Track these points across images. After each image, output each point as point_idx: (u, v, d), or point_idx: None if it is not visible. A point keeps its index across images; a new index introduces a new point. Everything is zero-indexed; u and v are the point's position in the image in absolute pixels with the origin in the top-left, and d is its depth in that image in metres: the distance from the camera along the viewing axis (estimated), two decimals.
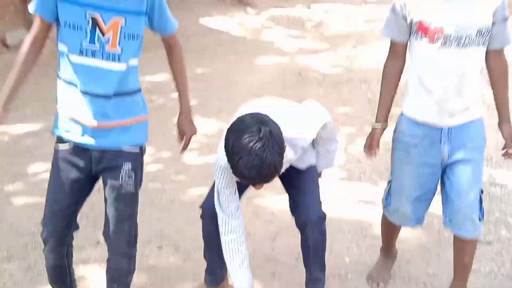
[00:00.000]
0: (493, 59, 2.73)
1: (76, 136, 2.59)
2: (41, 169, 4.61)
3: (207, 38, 8.95)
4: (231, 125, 2.51)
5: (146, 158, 4.80)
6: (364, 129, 5.38)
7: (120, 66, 2.55)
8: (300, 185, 3.00)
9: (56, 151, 2.66)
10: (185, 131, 3.01)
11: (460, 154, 2.78)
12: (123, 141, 2.65)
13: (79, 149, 2.61)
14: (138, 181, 2.74)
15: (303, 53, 8.28)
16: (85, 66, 2.51)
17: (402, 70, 2.93)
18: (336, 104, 6.05)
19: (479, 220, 2.83)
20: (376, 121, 3.04)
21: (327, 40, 9.03)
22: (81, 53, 2.49)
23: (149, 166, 4.72)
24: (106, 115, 2.59)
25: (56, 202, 2.69)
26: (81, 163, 2.63)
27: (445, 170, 2.86)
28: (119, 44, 2.51)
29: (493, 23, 2.61)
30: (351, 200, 4.21)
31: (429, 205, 3.00)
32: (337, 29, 9.68)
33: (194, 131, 3.03)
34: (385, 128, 3.07)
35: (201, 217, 3.10)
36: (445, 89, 2.69)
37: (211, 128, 5.44)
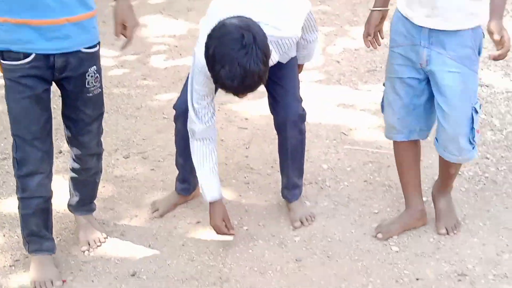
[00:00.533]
0: None
1: (32, 43, 2.42)
2: None
3: None
4: (212, 30, 2.36)
5: (110, 61, 4.79)
6: (344, 28, 5.27)
7: None
8: (280, 81, 2.87)
9: (7, 70, 2.47)
10: (126, 20, 2.58)
11: (443, 62, 2.59)
12: (82, 41, 2.52)
13: (38, 60, 2.45)
14: (101, 79, 2.68)
15: None
16: None
17: None
18: (315, 2, 5.87)
19: (470, 143, 2.68)
20: (373, 5, 2.78)
21: None
22: None
23: (114, 70, 4.64)
24: (66, 7, 2.42)
25: (30, 128, 2.56)
26: (44, 74, 2.50)
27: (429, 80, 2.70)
28: None
29: None
30: (329, 104, 4.11)
31: (425, 118, 2.83)
32: None
33: (136, 22, 2.61)
34: (385, 14, 2.78)
35: (174, 119, 3.01)
36: None
37: (180, 29, 5.28)
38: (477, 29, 2.56)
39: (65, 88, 2.61)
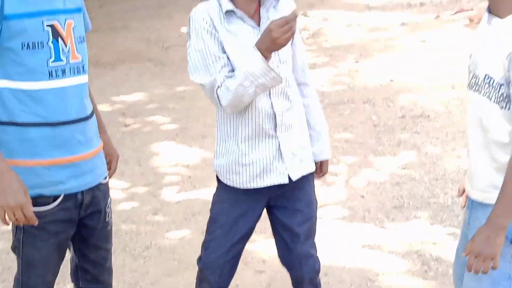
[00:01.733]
0: None
1: (63, 184, 2.42)
2: None
3: None
4: None
5: (119, 194, 4.85)
6: (369, 159, 5.34)
7: (85, 78, 2.48)
8: (293, 220, 2.78)
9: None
10: (113, 154, 2.80)
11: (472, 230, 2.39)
12: (102, 173, 2.58)
13: (67, 200, 2.44)
14: None
15: None
16: (56, 90, 2.36)
17: None
18: (337, 129, 6.00)
19: None
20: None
21: (326, 52, 9.00)
22: (50, 76, 2.34)
23: (122, 204, 4.67)
24: (90, 141, 2.49)
25: (45, 277, 2.54)
26: (72, 215, 2.49)
27: None
28: (77, 51, 2.43)
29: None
30: (353, 244, 4.10)
31: None
32: (337, 40, 9.66)
33: (117, 153, 2.85)
34: None
35: (199, 280, 2.86)
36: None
37: (194, 158, 5.38)
38: None
39: (87, 226, 2.59)
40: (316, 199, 2.85)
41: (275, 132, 2.62)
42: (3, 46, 2.28)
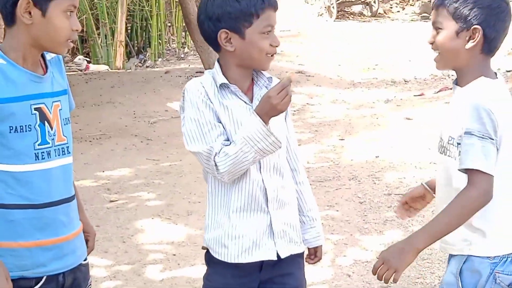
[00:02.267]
0: None
1: (45, 266, 2.41)
2: None
3: (175, 123, 8.94)
4: None
5: (102, 272, 4.79)
6: (355, 237, 5.33)
7: (70, 159, 2.49)
8: None
9: None
10: (90, 232, 2.76)
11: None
12: (82, 254, 2.57)
13: (49, 282, 2.43)
14: None
15: None
16: (42, 172, 2.37)
17: None
18: (322, 206, 5.98)
19: None
20: None
21: (311, 128, 9.07)
22: (36, 158, 2.36)
23: (106, 283, 4.60)
24: (72, 222, 2.50)
25: None
26: (58, 284, 2.48)
27: None
28: (63, 133, 2.45)
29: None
30: None
31: None
32: (322, 116, 9.76)
33: (94, 231, 2.82)
34: (428, 196, 2.84)
35: None
36: None
37: (178, 235, 5.35)
38: (475, 259, 2.42)
39: None
40: (305, 282, 2.82)
41: (267, 207, 2.60)
42: None
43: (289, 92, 2.41)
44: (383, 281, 2.32)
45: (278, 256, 2.61)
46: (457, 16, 2.41)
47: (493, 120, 2.28)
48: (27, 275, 2.37)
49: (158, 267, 4.85)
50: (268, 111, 2.42)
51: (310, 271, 4.64)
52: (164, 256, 5.00)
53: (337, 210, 5.91)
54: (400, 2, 27.58)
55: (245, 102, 2.59)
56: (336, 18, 26.07)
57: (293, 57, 16.18)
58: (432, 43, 2.51)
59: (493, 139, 2.29)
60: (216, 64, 2.64)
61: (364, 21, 25.44)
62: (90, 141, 8.32)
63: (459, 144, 2.36)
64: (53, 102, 2.42)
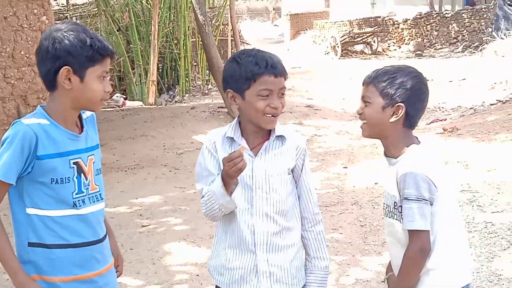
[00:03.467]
0: None
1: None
2: None
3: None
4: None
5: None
6: (356, 257, 5.29)
7: (102, 205, 2.55)
8: None
9: None
10: (119, 258, 2.79)
11: None
12: (114, 285, 2.63)
13: None
14: None
15: None
16: (78, 216, 2.44)
17: None
18: (328, 230, 5.96)
19: None
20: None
21: (318, 157, 9.07)
22: (74, 205, 2.42)
23: None
24: (105, 258, 2.55)
25: None
26: None
27: None
28: (95, 183, 2.51)
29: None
30: None
31: None
32: (328, 146, 9.76)
33: (122, 258, 2.87)
34: None
35: None
36: None
37: (202, 257, 5.31)
38: None
39: None
40: None
41: (255, 249, 2.59)
42: (35, 180, 2.37)
43: (238, 162, 2.38)
44: None
45: None
46: (384, 93, 2.49)
47: (428, 183, 2.37)
48: None
49: (183, 287, 4.83)
50: (224, 175, 2.45)
51: None
52: (188, 277, 4.98)
53: (341, 233, 5.87)
54: (396, 41, 27.60)
55: (249, 155, 2.58)
56: (340, 56, 26.15)
57: (303, 92, 16.22)
58: (360, 114, 2.57)
59: (427, 200, 2.37)
60: (236, 118, 2.69)
61: (365, 59, 25.49)
62: (125, 171, 8.35)
63: (401, 207, 2.45)
64: (88, 156, 2.49)
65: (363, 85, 2.57)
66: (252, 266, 2.60)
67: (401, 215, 2.45)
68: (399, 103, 2.46)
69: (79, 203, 2.44)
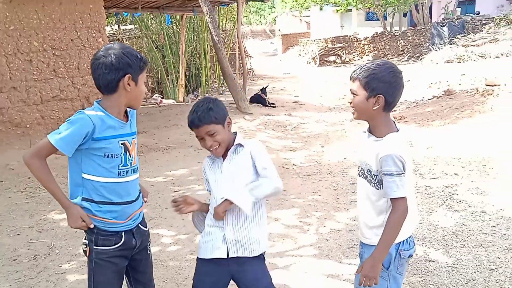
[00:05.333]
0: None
1: (129, 226, 2.50)
2: None
3: None
4: None
5: (168, 240, 4.73)
6: (331, 213, 5.24)
7: (137, 175, 2.54)
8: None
9: (98, 253, 2.42)
10: (146, 192, 2.75)
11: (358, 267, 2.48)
12: (145, 223, 2.64)
13: (125, 244, 2.47)
14: None
15: (286, 150, 8.21)
16: (120, 184, 2.42)
17: None
18: (310, 192, 5.91)
19: None
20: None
21: (303, 139, 8.98)
22: (119, 175, 2.41)
23: (170, 247, 4.53)
24: (138, 204, 2.55)
25: None
26: (127, 254, 2.52)
27: None
28: (136, 160, 2.51)
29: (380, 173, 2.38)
30: (320, 273, 3.93)
31: None
32: (309, 131, 9.66)
33: (148, 191, 2.83)
34: None
35: None
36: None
37: None
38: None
39: (137, 259, 2.58)
40: (266, 275, 2.62)
41: (223, 225, 2.55)
42: (93, 154, 2.37)
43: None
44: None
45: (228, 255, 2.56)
46: (367, 87, 2.39)
47: (402, 161, 2.30)
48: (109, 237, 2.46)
49: None
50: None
51: (301, 237, 4.60)
52: None
53: (319, 195, 5.80)
54: (359, 53, 27.41)
55: (220, 161, 2.60)
56: (318, 65, 25.96)
57: (291, 92, 16.10)
58: (350, 103, 2.50)
59: (403, 173, 2.31)
60: None
61: (336, 66, 25.33)
62: (162, 151, 8.27)
63: (376, 175, 2.39)
64: (131, 139, 2.49)
65: (350, 80, 2.47)
66: (222, 237, 2.55)
67: (373, 179, 2.40)
68: (379, 95, 2.36)
69: (123, 173, 2.43)
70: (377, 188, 2.40)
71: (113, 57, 2.35)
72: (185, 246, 4.56)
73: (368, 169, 2.43)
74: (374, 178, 2.40)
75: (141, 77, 2.43)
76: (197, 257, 2.65)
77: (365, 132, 2.51)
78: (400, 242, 2.41)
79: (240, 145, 2.58)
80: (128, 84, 2.37)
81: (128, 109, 2.52)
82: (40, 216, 5.38)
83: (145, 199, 2.67)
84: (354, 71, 2.46)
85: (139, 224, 2.56)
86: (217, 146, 2.51)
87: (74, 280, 3.94)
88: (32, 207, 5.68)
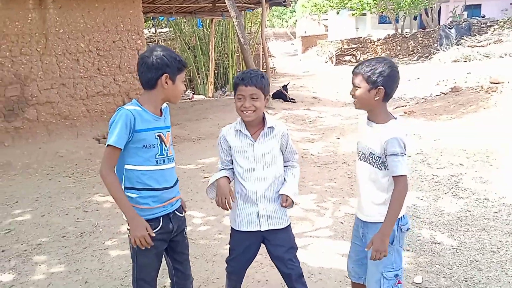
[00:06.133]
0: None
1: (166, 210, 2.50)
2: None
3: None
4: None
5: (199, 221, 4.76)
6: (346, 198, 5.20)
7: (173, 164, 2.53)
8: (278, 254, 2.67)
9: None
10: (183, 203, 2.74)
11: (369, 240, 2.50)
12: (179, 207, 2.61)
13: (163, 228, 2.48)
14: None
15: (304, 141, 8.16)
16: (158, 171, 2.43)
17: None
18: (326, 180, 5.88)
19: None
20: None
21: (320, 132, 8.91)
22: (156, 163, 2.42)
23: (200, 227, 4.55)
24: (174, 192, 2.54)
25: (151, 274, 2.51)
26: (166, 237, 2.53)
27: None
28: (171, 150, 2.51)
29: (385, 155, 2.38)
30: (336, 253, 3.91)
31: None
32: (326, 124, 9.58)
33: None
34: None
35: (228, 271, 2.79)
36: (358, 188, 2.60)
37: None
38: None
39: (175, 241, 2.60)
40: (292, 240, 2.72)
41: (256, 202, 2.59)
42: (131, 146, 2.37)
43: (224, 203, 2.55)
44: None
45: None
46: (368, 80, 2.40)
47: (404, 144, 2.35)
48: (151, 222, 2.44)
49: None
50: (217, 190, 2.59)
51: (318, 220, 4.58)
52: None
53: (335, 183, 5.76)
54: (373, 54, 27.01)
55: (251, 141, 2.57)
56: (335, 64, 25.71)
57: (310, 88, 16.00)
58: (353, 95, 2.49)
59: (405, 154, 2.35)
60: (241, 119, 2.61)
61: (352, 65, 24.94)
62: (193, 141, 8.32)
63: (379, 157, 2.40)
64: (166, 131, 2.48)
65: (353, 74, 2.48)
66: (256, 212, 2.59)
67: (377, 161, 2.41)
68: (379, 87, 2.39)
69: (160, 162, 2.44)
70: (379, 169, 2.42)
71: (154, 58, 2.38)
72: (214, 226, 4.58)
73: (370, 153, 2.44)
74: (378, 160, 2.41)
75: (179, 77, 2.44)
76: (232, 228, 2.70)
77: (366, 121, 2.51)
78: (399, 218, 2.44)
79: (271, 127, 2.59)
80: (166, 82, 2.39)
81: (163, 106, 2.54)
82: (86, 198, 5.48)
83: (186, 209, 2.70)
84: (356, 67, 2.48)
85: (175, 211, 2.56)
86: (253, 111, 2.50)
87: (116, 255, 4.00)
88: (78, 190, 5.78)
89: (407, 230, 2.50)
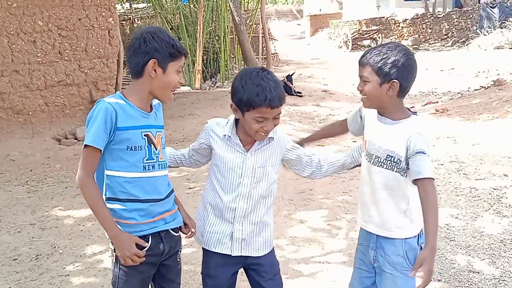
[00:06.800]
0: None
1: (157, 228, 2.49)
2: (98, 250, 4.50)
3: None
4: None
5: (183, 242, 4.74)
6: None
7: (166, 172, 2.54)
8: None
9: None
10: (191, 223, 2.76)
11: (383, 263, 2.52)
12: (176, 223, 2.61)
13: (152, 249, 2.47)
14: None
15: (313, 144, 8.15)
16: (146, 179, 2.43)
17: None
18: (339, 192, 5.89)
19: None
20: None
21: None
22: (144, 169, 2.42)
23: (184, 249, 4.52)
24: (167, 205, 2.54)
25: None
26: (155, 260, 2.53)
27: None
28: (163, 154, 2.51)
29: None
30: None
31: None
32: None
33: (194, 222, 2.81)
34: None
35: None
36: (363, 195, 2.59)
37: None
38: (410, 240, 2.48)
39: (166, 265, 2.60)
40: (277, 263, 2.79)
41: (233, 221, 2.61)
42: (113, 147, 2.38)
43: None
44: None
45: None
46: (379, 72, 2.39)
47: (429, 143, 2.38)
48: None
49: None
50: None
51: (329, 242, 4.58)
52: None
53: (350, 196, 5.78)
54: (397, 37, 27.11)
55: (241, 152, 2.59)
56: (351, 49, 25.80)
57: (320, 79, 16.06)
58: (361, 91, 2.49)
59: (430, 156, 2.37)
60: (234, 120, 2.64)
61: None
62: (176, 143, 8.33)
63: (400, 160, 2.39)
64: (156, 131, 2.50)
65: (360, 65, 2.47)
66: (229, 232, 2.62)
67: (397, 165, 2.41)
68: (393, 80, 2.38)
69: (148, 167, 2.44)
70: (401, 174, 2.41)
71: (142, 40, 2.40)
72: (200, 249, 4.54)
73: (388, 155, 2.43)
74: (399, 163, 2.41)
75: (172, 65, 2.42)
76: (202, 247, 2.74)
77: (377, 116, 2.52)
78: (418, 235, 2.46)
79: (270, 138, 2.61)
80: (154, 70, 2.39)
81: (155, 102, 2.54)
82: (42, 212, 5.47)
83: (192, 229, 2.69)
84: (363, 56, 2.47)
85: (170, 229, 2.56)
86: (271, 130, 2.55)
87: (79, 283, 4.00)
88: (34, 202, 5.77)
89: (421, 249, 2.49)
